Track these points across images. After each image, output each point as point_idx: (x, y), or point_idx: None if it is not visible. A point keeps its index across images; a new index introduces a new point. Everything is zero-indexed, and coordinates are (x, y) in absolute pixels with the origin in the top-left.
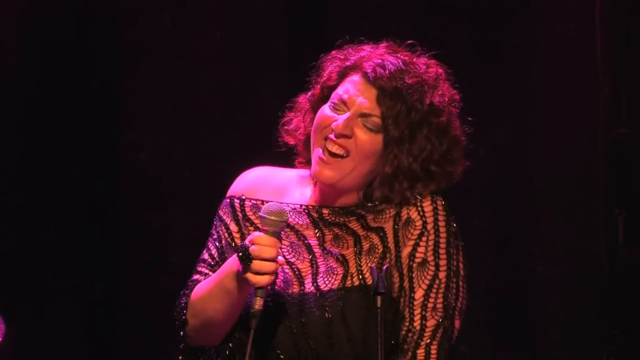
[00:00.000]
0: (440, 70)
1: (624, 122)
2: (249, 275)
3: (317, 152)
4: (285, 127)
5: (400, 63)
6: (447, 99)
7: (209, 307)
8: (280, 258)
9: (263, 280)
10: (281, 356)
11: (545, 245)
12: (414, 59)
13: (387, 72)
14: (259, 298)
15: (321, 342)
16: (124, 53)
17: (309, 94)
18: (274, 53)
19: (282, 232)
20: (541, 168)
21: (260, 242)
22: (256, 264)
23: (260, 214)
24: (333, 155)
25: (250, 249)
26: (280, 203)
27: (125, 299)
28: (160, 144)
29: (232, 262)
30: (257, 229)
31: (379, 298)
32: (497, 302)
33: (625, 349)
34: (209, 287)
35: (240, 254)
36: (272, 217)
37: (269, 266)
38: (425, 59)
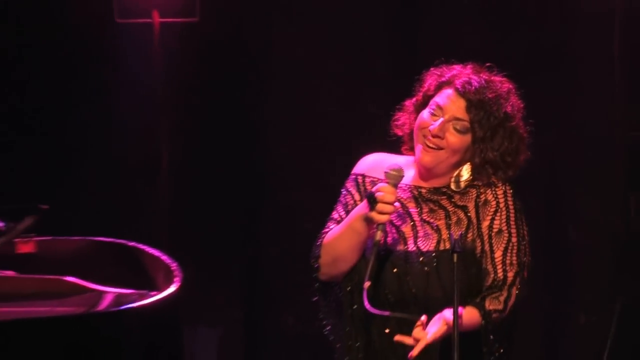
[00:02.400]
0: (510, 86)
1: (637, 126)
2: (373, 214)
3: (418, 145)
4: (396, 123)
5: (483, 81)
6: (516, 108)
7: (339, 245)
8: (396, 204)
9: (384, 218)
10: (389, 296)
11: (576, 217)
12: (492, 77)
13: (473, 87)
14: (379, 232)
15: (420, 288)
16: (269, 75)
17: (414, 99)
18: (379, 69)
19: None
20: (575, 160)
21: (384, 190)
22: (380, 205)
23: (385, 170)
24: (430, 148)
25: (376, 194)
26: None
27: (272, 255)
28: (296, 141)
29: (360, 208)
30: None
31: (455, 256)
32: (540, 259)
33: (635, 298)
34: (339, 230)
35: (369, 197)
36: (393, 172)
37: (389, 208)
38: (500, 77)
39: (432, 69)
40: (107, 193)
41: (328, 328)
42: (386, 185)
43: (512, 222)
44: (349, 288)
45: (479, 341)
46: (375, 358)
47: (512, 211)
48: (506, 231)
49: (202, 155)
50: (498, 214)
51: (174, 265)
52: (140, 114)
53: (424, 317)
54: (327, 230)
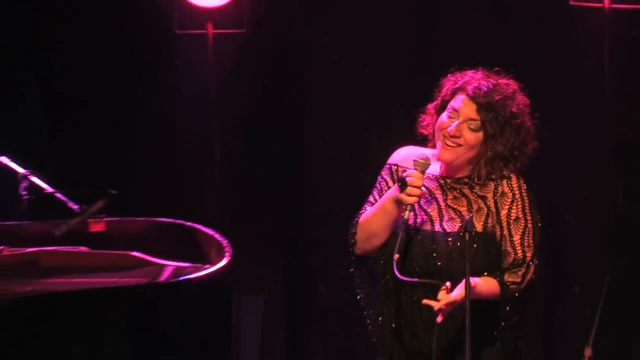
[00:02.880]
0: (516, 87)
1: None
2: (403, 196)
3: (439, 144)
4: (421, 124)
5: (491, 85)
6: (522, 106)
7: (372, 223)
8: (422, 188)
9: (412, 200)
10: (417, 269)
11: (572, 203)
12: (499, 81)
13: (482, 92)
14: (408, 212)
15: (444, 263)
16: (308, 79)
17: (434, 103)
18: (403, 74)
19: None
20: (571, 154)
21: (413, 175)
22: (409, 189)
23: (414, 159)
24: (449, 146)
25: (406, 179)
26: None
27: (309, 235)
28: (331, 137)
29: (392, 191)
30: None
31: (467, 235)
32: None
33: (621, 271)
34: (374, 211)
35: (400, 181)
36: (421, 161)
37: (417, 191)
38: (507, 80)
39: (448, 75)
40: (170, 181)
41: (360, 297)
42: (415, 171)
43: (527, 210)
44: (382, 261)
45: (496, 310)
46: (404, 323)
47: (526, 201)
48: (522, 218)
49: (251, 148)
50: (514, 204)
51: (224, 242)
52: (196, 113)
53: (448, 283)
54: (362, 211)
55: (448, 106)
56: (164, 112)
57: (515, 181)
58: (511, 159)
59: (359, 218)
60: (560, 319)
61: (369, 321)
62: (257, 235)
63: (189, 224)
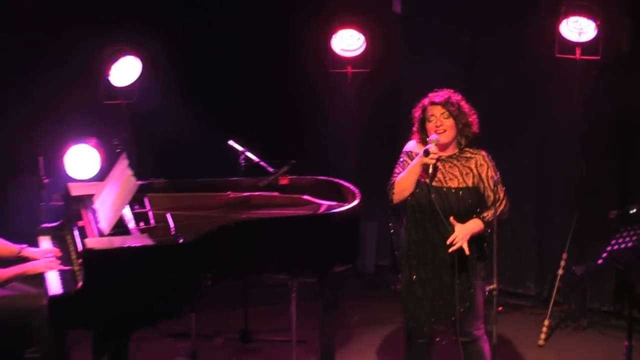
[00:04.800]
0: (460, 97)
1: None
2: (427, 160)
3: (434, 135)
4: (413, 136)
5: (447, 95)
6: (469, 107)
7: (404, 181)
8: (436, 155)
9: (432, 161)
10: (437, 210)
11: (554, 170)
12: (451, 93)
13: (440, 97)
14: (431, 168)
15: (455, 205)
16: (404, 101)
17: (415, 126)
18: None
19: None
20: (554, 140)
21: (431, 149)
22: (430, 155)
23: (429, 138)
24: (441, 134)
25: (429, 149)
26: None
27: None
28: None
29: (417, 159)
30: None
31: (424, 152)
32: (534, 188)
33: (586, 211)
34: (405, 174)
35: (425, 152)
36: (434, 140)
37: (435, 156)
38: (453, 92)
39: (415, 107)
40: (322, 157)
41: (392, 232)
42: (432, 145)
43: (495, 170)
44: (412, 204)
45: (481, 239)
46: (425, 241)
47: (493, 165)
48: (494, 175)
49: (362, 151)
50: (489, 168)
51: (356, 191)
52: (336, 133)
53: (451, 218)
54: (395, 176)
55: (428, 117)
56: (315, 130)
57: (486, 155)
58: (469, 129)
59: (394, 180)
60: (545, 241)
61: (395, 248)
62: (366, 188)
63: (335, 179)
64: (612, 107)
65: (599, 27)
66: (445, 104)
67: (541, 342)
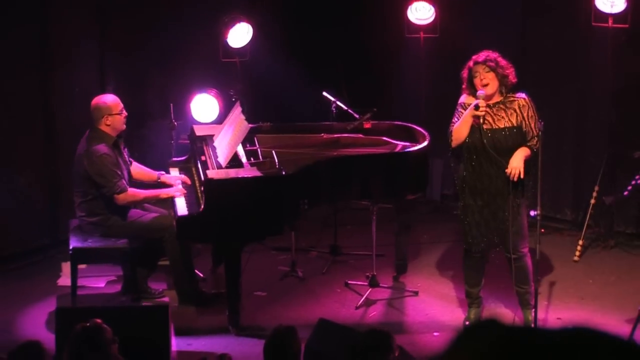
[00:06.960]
0: (497, 54)
1: None
2: (478, 112)
3: (482, 90)
4: (463, 87)
5: (486, 54)
6: (506, 62)
7: (460, 128)
8: (485, 107)
9: (482, 113)
10: (488, 149)
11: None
12: (489, 52)
13: (481, 57)
14: (481, 118)
15: (502, 144)
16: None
17: (464, 85)
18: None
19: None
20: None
21: (480, 103)
22: (479, 108)
23: (478, 94)
24: (484, 85)
25: (478, 102)
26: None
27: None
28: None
29: (469, 110)
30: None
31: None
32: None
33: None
34: (460, 122)
35: (475, 107)
36: (482, 95)
37: (484, 108)
38: (491, 51)
39: (462, 68)
40: (401, 109)
41: (453, 171)
42: (481, 100)
43: (535, 110)
44: (468, 145)
45: (527, 174)
46: (479, 173)
47: (533, 107)
48: (534, 115)
49: (430, 101)
50: (530, 109)
51: (426, 133)
52: (410, 86)
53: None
54: (452, 125)
55: (474, 74)
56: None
57: (526, 97)
58: (507, 79)
59: (452, 128)
60: (581, 175)
61: (455, 178)
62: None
63: (408, 124)
64: (638, 66)
65: (628, 0)
66: (485, 61)
67: (576, 258)
